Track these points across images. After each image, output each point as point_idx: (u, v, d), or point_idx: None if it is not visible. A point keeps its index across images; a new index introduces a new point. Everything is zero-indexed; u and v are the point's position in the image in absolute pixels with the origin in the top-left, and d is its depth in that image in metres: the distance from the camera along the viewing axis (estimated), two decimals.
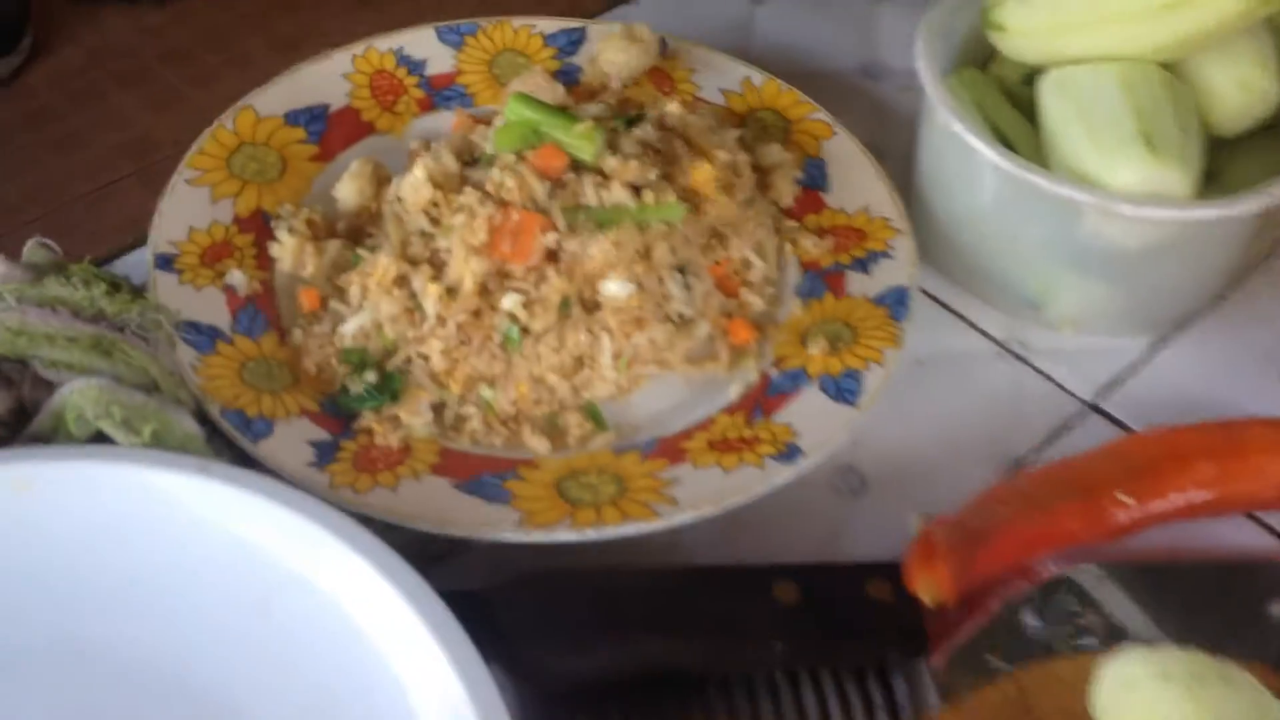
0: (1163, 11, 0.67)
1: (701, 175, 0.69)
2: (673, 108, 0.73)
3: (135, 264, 0.70)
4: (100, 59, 1.83)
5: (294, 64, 0.76)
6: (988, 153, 0.67)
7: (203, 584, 0.54)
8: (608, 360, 0.64)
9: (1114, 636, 0.55)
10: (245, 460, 0.59)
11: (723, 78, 0.79)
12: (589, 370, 0.65)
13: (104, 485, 0.54)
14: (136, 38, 1.88)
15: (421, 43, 0.79)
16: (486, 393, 0.64)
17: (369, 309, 0.65)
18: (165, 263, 0.66)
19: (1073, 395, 0.71)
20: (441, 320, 0.64)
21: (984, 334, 0.73)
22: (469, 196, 0.65)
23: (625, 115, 0.72)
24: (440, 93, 0.78)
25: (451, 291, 0.64)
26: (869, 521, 0.64)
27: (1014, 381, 0.71)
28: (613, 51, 0.77)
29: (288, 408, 0.62)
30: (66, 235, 0.65)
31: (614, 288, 0.64)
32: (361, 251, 0.67)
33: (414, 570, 0.53)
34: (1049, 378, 0.71)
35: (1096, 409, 0.70)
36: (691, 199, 0.68)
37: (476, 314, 0.64)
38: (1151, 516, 0.61)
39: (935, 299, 0.75)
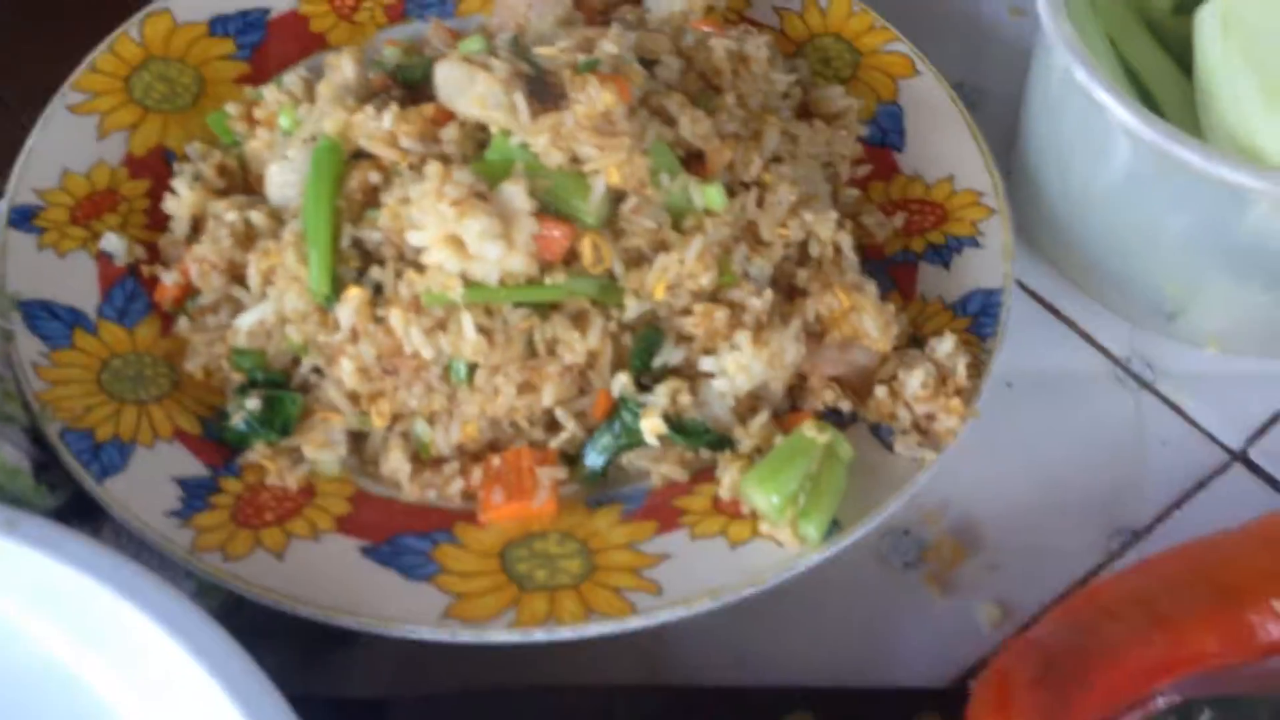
0: None
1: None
2: (716, 44, 0.57)
3: None
4: None
5: None
6: (1121, 112, 0.54)
7: None
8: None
9: None
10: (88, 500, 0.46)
11: None
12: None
13: None
14: None
15: None
16: (421, 429, 0.48)
17: (271, 299, 0.49)
18: (24, 218, 0.53)
19: (1212, 439, 0.57)
20: (356, 335, 0.48)
21: (1099, 348, 0.60)
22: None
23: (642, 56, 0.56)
24: None
25: (382, 294, 0.48)
26: (926, 608, 0.52)
27: (1135, 416, 0.58)
28: None
29: (157, 427, 0.48)
30: None
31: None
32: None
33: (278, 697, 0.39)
34: (1181, 412, 0.59)
35: (1243, 459, 0.57)
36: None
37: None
38: None
39: (1037, 298, 0.62)
